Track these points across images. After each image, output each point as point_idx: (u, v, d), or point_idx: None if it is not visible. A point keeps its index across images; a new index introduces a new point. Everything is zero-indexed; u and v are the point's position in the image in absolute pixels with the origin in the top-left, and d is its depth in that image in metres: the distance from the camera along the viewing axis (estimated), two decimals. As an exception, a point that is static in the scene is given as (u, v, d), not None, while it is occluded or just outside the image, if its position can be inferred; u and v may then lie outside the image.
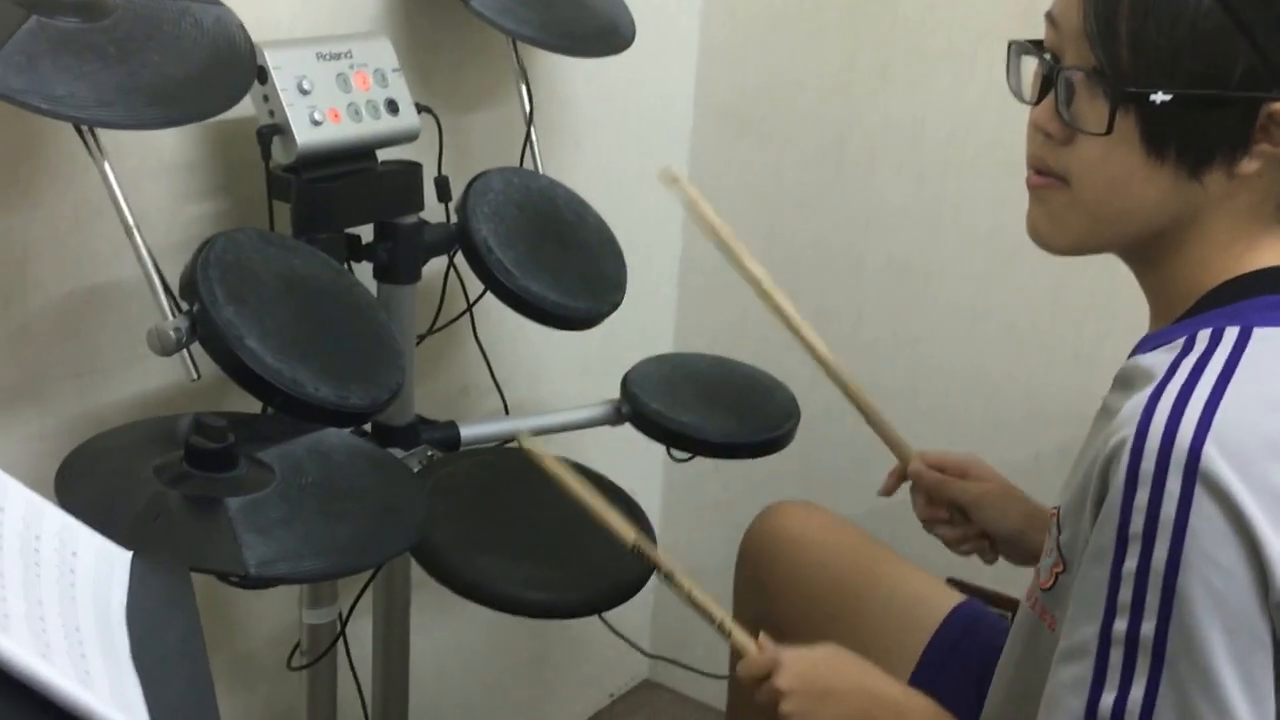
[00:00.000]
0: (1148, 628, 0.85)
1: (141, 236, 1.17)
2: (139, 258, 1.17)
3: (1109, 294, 1.71)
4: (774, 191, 1.99)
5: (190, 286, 1.16)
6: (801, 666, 1.12)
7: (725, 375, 1.61)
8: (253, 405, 1.20)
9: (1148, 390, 0.89)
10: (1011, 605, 1.81)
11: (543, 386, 1.87)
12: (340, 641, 1.42)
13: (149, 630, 0.79)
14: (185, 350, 1.16)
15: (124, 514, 0.96)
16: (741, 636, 1.17)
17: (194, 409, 1.31)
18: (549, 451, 1.18)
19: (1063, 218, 0.98)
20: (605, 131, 1.88)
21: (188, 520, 0.99)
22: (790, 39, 1.92)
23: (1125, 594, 0.86)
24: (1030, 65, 1.01)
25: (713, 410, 1.50)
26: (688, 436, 1.47)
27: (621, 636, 1.87)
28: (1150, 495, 0.85)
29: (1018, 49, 1.02)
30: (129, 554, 0.86)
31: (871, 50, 1.85)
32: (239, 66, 1.20)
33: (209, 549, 0.96)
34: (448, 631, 1.84)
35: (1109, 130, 0.91)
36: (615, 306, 1.49)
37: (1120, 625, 0.87)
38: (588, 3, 1.57)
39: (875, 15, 1.85)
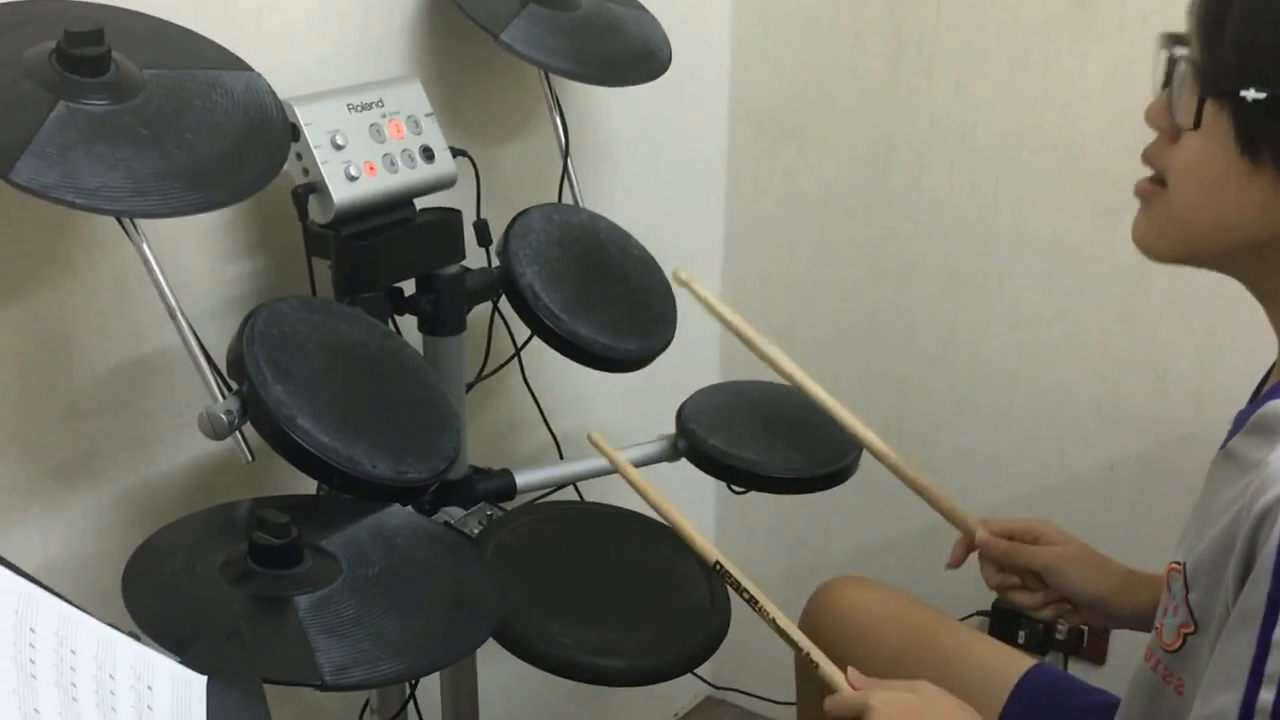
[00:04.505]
0: None
1: (186, 320, 1.14)
2: (185, 341, 1.14)
3: (1184, 301, 1.66)
4: (818, 199, 1.94)
5: (237, 365, 1.13)
6: (890, 714, 1.06)
7: (782, 403, 1.56)
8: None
9: None
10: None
11: (594, 422, 1.83)
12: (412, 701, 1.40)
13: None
14: (238, 432, 1.14)
15: (195, 626, 0.94)
16: (830, 669, 1.13)
17: (250, 476, 1.30)
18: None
19: (1161, 223, 0.96)
20: (641, 152, 1.84)
21: (258, 626, 0.96)
22: (827, 40, 1.87)
23: (1274, 663, 0.82)
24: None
25: (772, 443, 1.46)
26: (748, 473, 1.44)
27: (688, 670, 1.85)
28: None
29: (1160, 41, 0.97)
30: (204, 679, 0.84)
31: (915, 49, 1.80)
32: (273, 139, 1.16)
33: (282, 657, 0.94)
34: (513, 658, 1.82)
35: (1196, 125, 0.89)
36: (666, 345, 1.46)
37: (1266, 696, 0.83)
38: (622, 27, 1.52)
39: (917, 12, 1.78)
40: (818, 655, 1.14)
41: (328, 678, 0.93)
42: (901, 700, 1.08)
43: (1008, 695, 1.30)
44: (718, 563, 1.18)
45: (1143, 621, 1.25)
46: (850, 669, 1.13)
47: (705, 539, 1.21)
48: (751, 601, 1.16)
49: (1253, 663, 0.83)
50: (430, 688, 1.54)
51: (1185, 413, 1.70)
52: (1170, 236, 0.97)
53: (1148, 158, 0.97)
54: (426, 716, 1.54)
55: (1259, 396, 1.00)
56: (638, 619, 1.27)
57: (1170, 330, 1.68)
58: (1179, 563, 0.95)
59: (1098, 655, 1.87)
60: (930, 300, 1.88)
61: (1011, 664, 1.34)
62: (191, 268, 1.30)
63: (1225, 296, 1.65)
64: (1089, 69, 1.67)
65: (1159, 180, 0.96)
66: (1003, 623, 1.91)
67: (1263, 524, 0.83)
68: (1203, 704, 0.87)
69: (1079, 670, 1.87)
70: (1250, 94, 0.86)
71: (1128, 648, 1.84)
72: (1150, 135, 0.98)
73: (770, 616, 1.15)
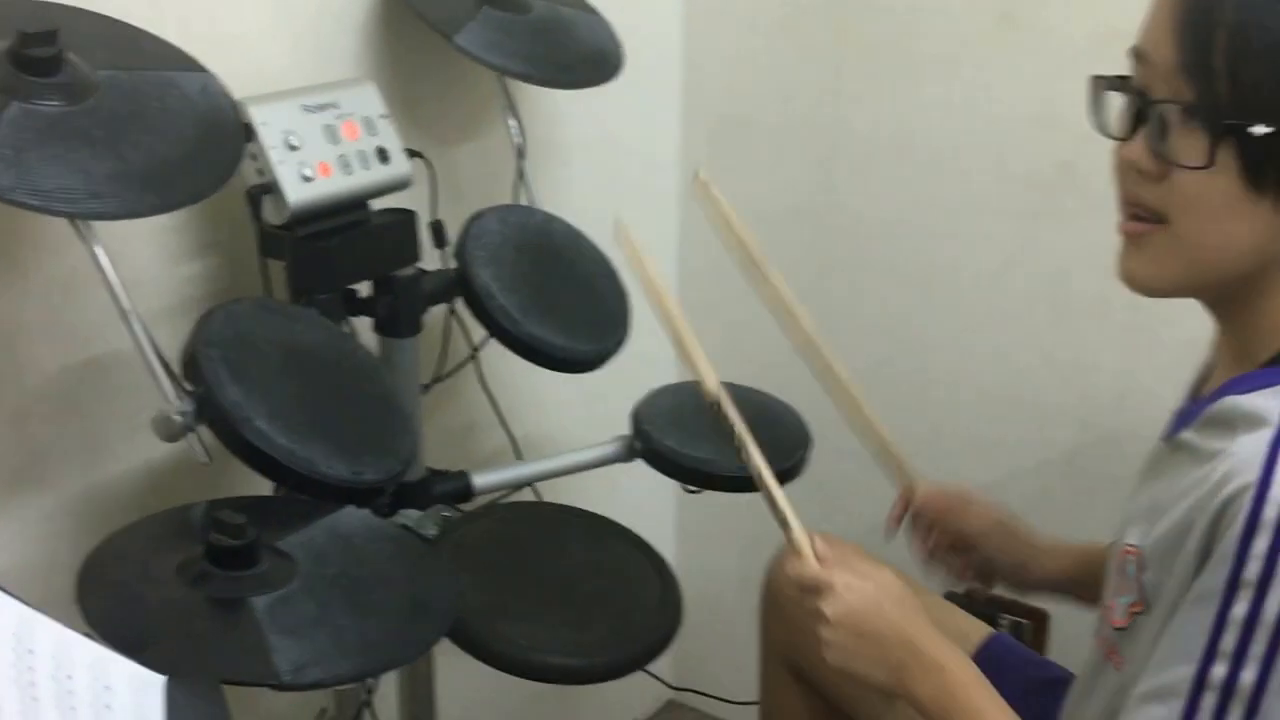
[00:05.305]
0: (1247, 677, 0.85)
1: (140, 321, 1.13)
2: (137, 343, 1.13)
3: (1106, 304, 1.69)
4: (767, 207, 1.96)
5: (192, 367, 1.13)
6: (850, 599, 1.07)
7: (736, 403, 1.58)
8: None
9: (1265, 434, 0.87)
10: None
11: (551, 423, 1.84)
12: (368, 708, 1.40)
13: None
14: (195, 432, 1.14)
15: (151, 628, 0.94)
16: (800, 535, 1.13)
17: (204, 480, 1.29)
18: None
19: (1162, 259, 0.96)
20: (595, 153, 1.85)
21: (215, 626, 0.96)
22: (774, 48, 1.89)
23: (1229, 640, 0.85)
24: (1115, 100, 0.98)
25: (725, 443, 1.47)
26: (701, 472, 1.45)
27: (644, 670, 1.85)
28: (1270, 543, 0.84)
29: (1102, 84, 0.98)
30: (162, 679, 0.84)
31: (857, 57, 1.83)
32: (228, 140, 1.16)
33: (239, 657, 0.94)
34: (472, 662, 1.82)
35: (1210, 164, 0.89)
36: (620, 345, 1.47)
37: (1218, 671, 0.86)
38: (574, 30, 1.53)
39: (858, 21, 1.82)
40: (790, 516, 1.14)
41: (285, 677, 0.93)
42: (863, 589, 1.08)
43: None
44: (715, 402, 1.21)
45: (1059, 589, 1.33)
46: (818, 538, 1.13)
47: (709, 369, 1.23)
48: (739, 449, 1.19)
49: (1209, 639, 0.86)
50: (387, 691, 1.54)
51: (1109, 411, 1.74)
52: (1173, 270, 0.96)
53: (1134, 198, 0.97)
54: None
55: (1202, 395, 1.02)
56: (592, 618, 1.28)
57: (1096, 335, 1.72)
58: (1134, 546, 0.98)
59: (1037, 647, 1.91)
60: (876, 303, 1.91)
61: (970, 632, 1.37)
62: (144, 268, 1.30)
63: (1143, 303, 1.71)
64: (1012, 83, 1.71)
65: (1147, 218, 0.96)
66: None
67: (1225, 511, 0.86)
68: (1154, 676, 0.90)
69: (1018, 660, 1.91)
70: (1259, 130, 0.87)
71: (1066, 640, 1.87)
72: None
73: (758, 469, 1.17)
